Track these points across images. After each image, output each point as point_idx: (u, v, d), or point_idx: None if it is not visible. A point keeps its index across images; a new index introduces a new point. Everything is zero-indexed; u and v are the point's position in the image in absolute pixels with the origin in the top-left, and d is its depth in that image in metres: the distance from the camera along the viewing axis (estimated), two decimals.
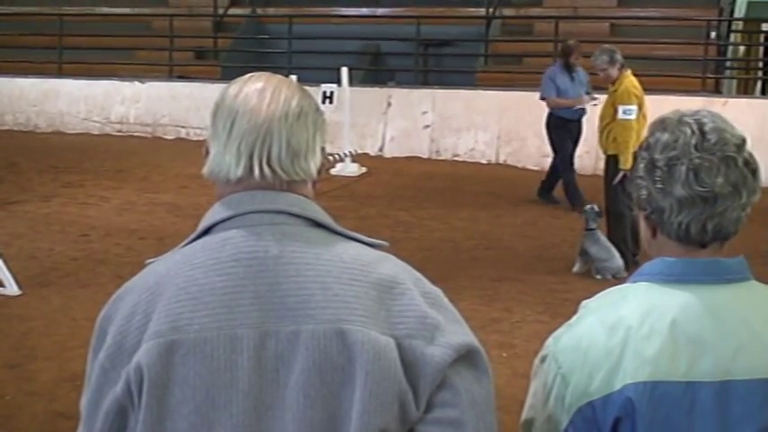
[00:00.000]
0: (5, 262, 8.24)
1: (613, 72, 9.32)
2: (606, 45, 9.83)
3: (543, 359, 2.02)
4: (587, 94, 12.09)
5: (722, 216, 1.95)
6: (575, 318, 2.03)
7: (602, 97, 11.49)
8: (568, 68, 11.98)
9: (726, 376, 1.89)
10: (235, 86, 1.90)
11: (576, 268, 9.04)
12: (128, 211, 11.82)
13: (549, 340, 2.03)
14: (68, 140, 17.50)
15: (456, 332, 1.80)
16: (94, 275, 8.73)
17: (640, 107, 9.15)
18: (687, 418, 1.87)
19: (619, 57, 9.32)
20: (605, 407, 1.89)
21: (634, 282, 2.03)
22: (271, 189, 1.85)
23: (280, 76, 1.93)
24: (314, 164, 1.89)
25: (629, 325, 1.92)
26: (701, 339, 1.90)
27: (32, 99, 18.84)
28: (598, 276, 8.68)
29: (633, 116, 9.04)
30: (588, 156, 14.52)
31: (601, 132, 9.51)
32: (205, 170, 1.89)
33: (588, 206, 9.12)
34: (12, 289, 8.12)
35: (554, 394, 1.95)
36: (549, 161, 14.88)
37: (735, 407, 1.88)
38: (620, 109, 9.14)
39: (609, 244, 8.88)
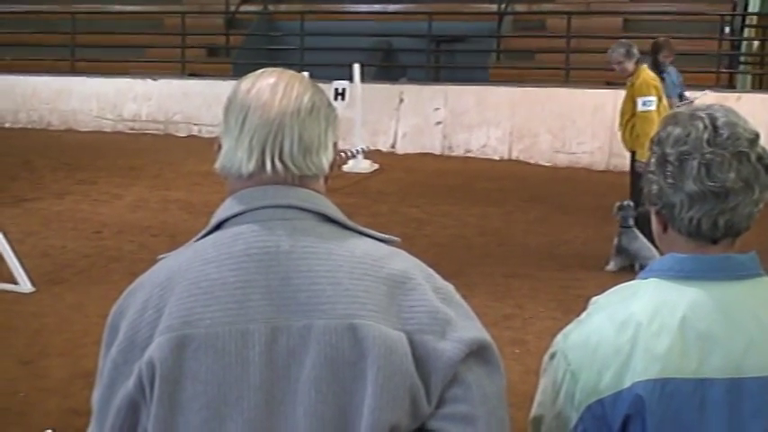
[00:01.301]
0: (19, 259, 8.27)
1: (629, 66, 9.27)
2: (623, 40, 9.79)
3: (552, 356, 2.00)
4: (680, 95, 11.12)
5: (734, 212, 1.93)
6: (584, 314, 2.02)
7: (699, 95, 11.21)
8: (658, 67, 10.51)
9: (736, 373, 1.87)
10: (247, 82, 1.89)
11: (611, 266, 8.88)
12: (140, 208, 11.84)
13: (559, 337, 2.02)
14: (81, 138, 17.55)
15: (467, 327, 1.80)
16: (107, 272, 8.76)
17: (660, 99, 9.11)
18: (698, 415, 1.86)
19: (635, 51, 9.28)
20: (615, 404, 1.87)
21: (644, 278, 2.01)
22: (282, 184, 1.85)
23: (292, 72, 1.93)
24: (326, 159, 1.89)
25: (638, 322, 1.90)
26: (712, 336, 1.89)
27: (45, 97, 18.88)
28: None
29: (653, 107, 8.99)
30: (600, 151, 14.53)
31: (623, 129, 9.44)
32: (217, 165, 1.89)
33: (625, 202, 8.93)
34: (25, 286, 8.15)
35: (563, 391, 1.94)
36: (561, 157, 14.91)
37: (745, 403, 1.87)
38: (640, 101, 9.10)
39: (647, 240, 8.60)
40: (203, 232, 1.87)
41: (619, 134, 9.71)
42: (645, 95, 9.10)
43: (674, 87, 10.99)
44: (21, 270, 8.20)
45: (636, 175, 9.07)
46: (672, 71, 11.10)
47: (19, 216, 11.07)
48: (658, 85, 9.24)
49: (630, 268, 8.63)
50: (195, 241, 1.87)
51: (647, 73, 9.28)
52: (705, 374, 1.86)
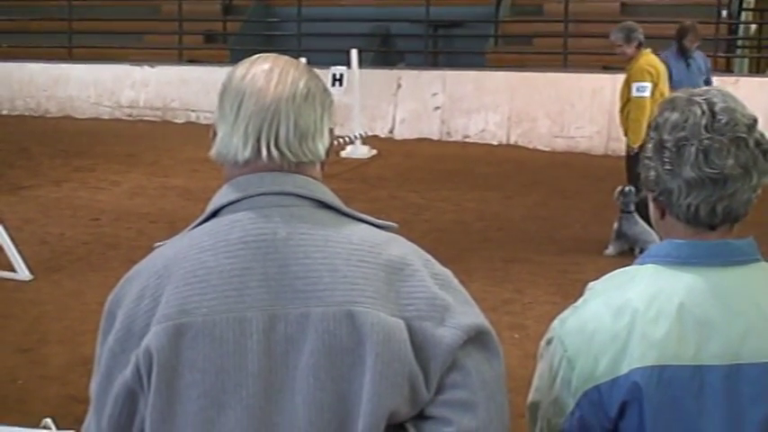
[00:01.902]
0: (17, 247, 8.26)
1: (629, 50, 9.12)
2: (627, 22, 9.61)
3: (549, 341, 1.99)
4: (707, 82, 10.45)
5: (732, 198, 1.91)
6: (581, 300, 2.00)
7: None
8: (683, 53, 10.53)
9: (734, 359, 1.86)
10: (242, 68, 1.88)
11: (609, 251, 8.85)
12: (138, 195, 11.83)
13: (555, 322, 2.01)
14: (79, 125, 17.50)
15: (466, 313, 1.80)
16: (105, 259, 8.75)
17: (656, 85, 8.99)
18: (695, 402, 1.85)
19: (638, 35, 9.08)
20: (612, 391, 1.87)
21: (641, 264, 2.00)
22: (279, 171, 1.84)
23: (287, 57, 1.91)
24: (322, 145, 1.88)
25: (635, 308, 1.89)
26: (710, 322, 1.88)
27: (42, 84, 18.83)
28: None
29: (647, 93, 8.88)
30: (599, 135, 14.51)
31: (621, 112, 9.38)
32: (212, 152, 1.88)
33: (627, 188, 8.83)
34: (23, 274, 8.14)
35: (560, 377, 1.94)
36: (559, 142, 14.89)
37: (744, 389, 1.86)
38: (634, 86, 9.01)
39: (647, 225, 8.57)
40: (199, 220, 1.86)
41: (618, 118, 9.66)
42: (639, 81, 8.99)
43: (700, 74, 10.59)
44: (19, 258, 8.19)
45: (630, 159, 8.96)
46: (698, 56, 10.79)
47: (17, 204, 11.06)
48: (654, 71, 9.06)
49: (630, 252, 8.62)
50: (191, 229, 1.86)
51: (645, 58, 9.14)
52: (703, 361, 1.86)
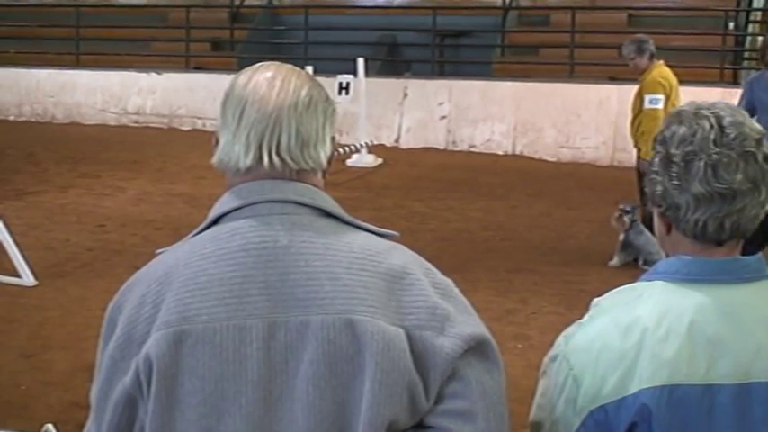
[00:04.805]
0: (22, 252, 8.27)
1: (642, 62, 9.08)
2: (638, 35, 9.58)
3: (553, 358, 1.96)
4: None
5: (740, 214, 1.88)
6: (586, 317, 1.96)
7: None
8: None
9: (745, 378, 1.83)
10: (244, 75, 1.89)
11: (614, 262, 8.86)
12: (144, 201, 11.85)
13: (560, 339, 1.97)
14: (85, 131, 17.54)
15: (466, 323, 1.79)
16: (110, 266, 8.76)
17: (668, 97, 8.92)
18: (706, 421, 1.82)
19: (649, 46, 9.08)
20: (619, 411, 1.83)
21: (649, 280, 1.96)
22: (280, 179, 1.84)
23: (289, 66, 1.92)
24: (323, 153, 1.88)
25: (645, 327, 1.85)
26: (720, 340, 1.85)
27: (50, 90, 18.88)
28: (646, 267, 8.44)
29: (660, 105, 8.81)
30: (605, 146, 14.51)
31: (631, 125, 9.36)
32: (215, 159, 1.89)
33: (625, 207, 8.84)
34: (28, 279, 8.15)
35: (565, 395, 1.90)
36: (565, 152, 14.88)
37: (755, 408, 1.83)
38: (647, 98, 8.98)
39: (652, 236, 8.42)
40: (201, 227, 1.86)
41: (627, 129, 9.64)
42: (652, 93, 8.96)
43: None
44: (24, 263, 8.20)
45: (639, 173, 8.89)
46: None
47: (22, 209, 11.08)
48: (667, 83, 8.94)
49: (634, 263, 8.63)
50: (193, 236, 1.86)
51: (658, 70, 9.09)
52: (713, 380, 1.82)
